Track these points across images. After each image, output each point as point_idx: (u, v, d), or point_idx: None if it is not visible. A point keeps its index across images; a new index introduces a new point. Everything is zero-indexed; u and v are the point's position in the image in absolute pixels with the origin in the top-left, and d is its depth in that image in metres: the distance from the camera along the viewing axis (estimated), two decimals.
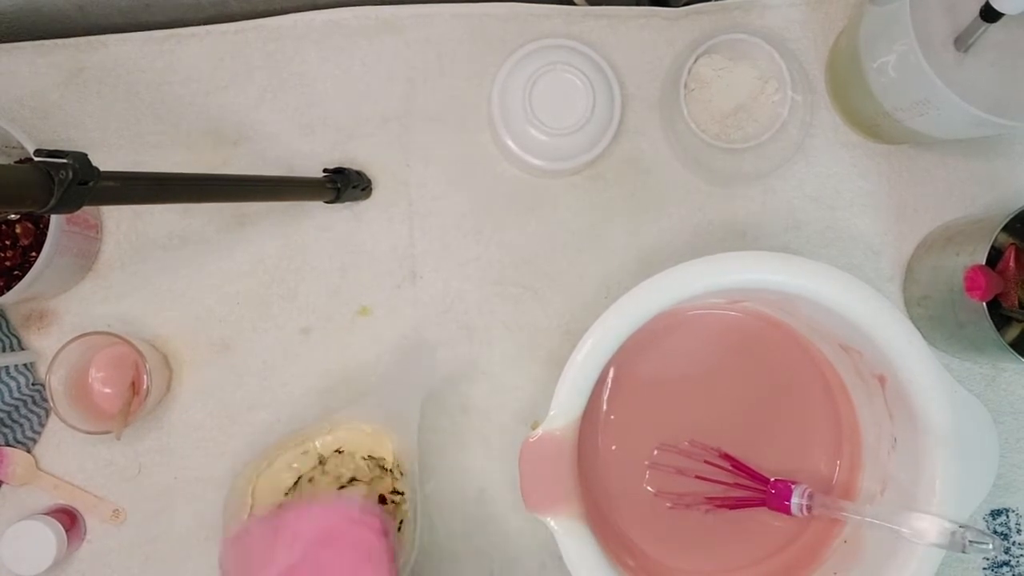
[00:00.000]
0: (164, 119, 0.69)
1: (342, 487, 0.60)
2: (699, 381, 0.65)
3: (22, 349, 0.67)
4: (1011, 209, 0.58)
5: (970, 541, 0.49)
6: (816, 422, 0.64)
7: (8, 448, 0.65)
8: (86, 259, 0.67)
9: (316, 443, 0.62)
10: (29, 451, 0.66)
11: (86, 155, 0.40)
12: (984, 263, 0.58)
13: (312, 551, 0.51)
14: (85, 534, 0.67)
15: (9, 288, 0.59)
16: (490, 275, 0.68)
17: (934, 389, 0.54)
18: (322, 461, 0.62)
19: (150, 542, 0.67)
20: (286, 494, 0.61)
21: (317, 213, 0.68)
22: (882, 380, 0.57)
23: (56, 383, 0.62)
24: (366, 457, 0.61)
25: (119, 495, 0.67)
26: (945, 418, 0.53)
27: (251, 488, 0.61)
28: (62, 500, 0.66)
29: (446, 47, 0.69)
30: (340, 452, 0.61)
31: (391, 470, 0.61)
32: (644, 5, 0.71)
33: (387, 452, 0.61)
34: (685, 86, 0.65)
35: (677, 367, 0.65)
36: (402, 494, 0.61)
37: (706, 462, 0.63)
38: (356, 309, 0.68)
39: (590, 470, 0.63)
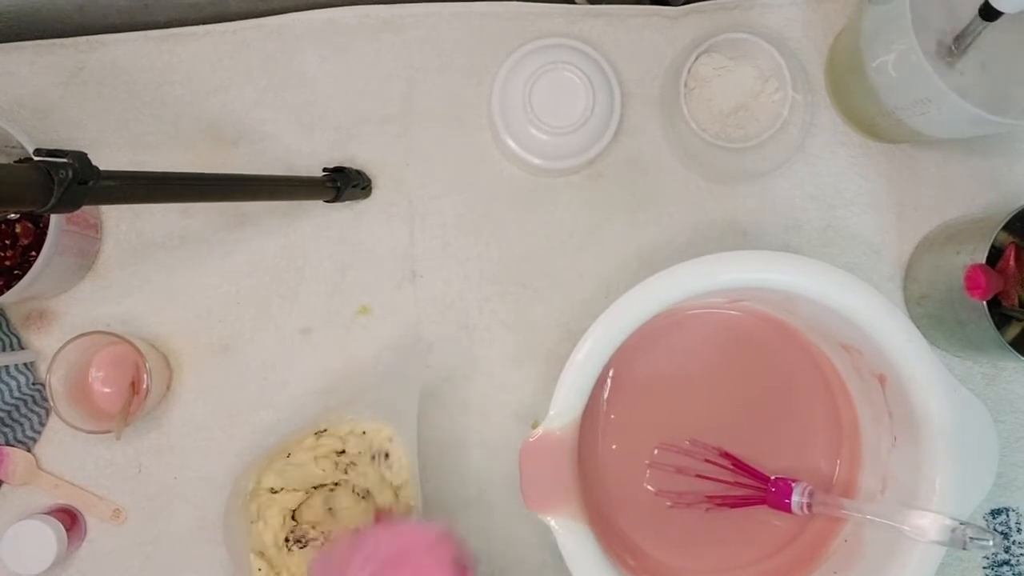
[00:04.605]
0: (164, 119, 0.68)
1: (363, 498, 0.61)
2: (699, 380, 0.65)
3: (22, 348, 0.67)
4: (1011, 208, 0.58)
5: (971, 538, 0.49)
6: (816, 421, 0.64)
7: (8, 447, 0.65)
8: (86, 259, 0.67)
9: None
10: (29, 450, 0.66)
11: (86, 155, 0.40)
12: (984, 262, 0.58)
13: (382, 572, 0.51)
14: (85, 534, 0.67)
15: (9, 288, 0.59)
16: (490, 274, 0.68)
17: (934, 388, 0.54)
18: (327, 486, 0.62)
19: (150, 542, 0.67)
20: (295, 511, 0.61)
21: (317, 212, 0.68)
22: (882, 379, 0.57)
23: (56, 382, 0.62)
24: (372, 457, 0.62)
25: (119, 495, 0.67)
26: (945, 417, 0.53)
27: (253, 488, 0.61)
28: (62, 500, 0.66)
29: (446, 46, 0.69)
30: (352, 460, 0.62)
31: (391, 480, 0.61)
32: (644, 4, 0.71)
33: (389, 446, 0.61)
34: (685, 85, 0.65)
35: (677, 366, 0.65)
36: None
37: (706, 461, 0.63)
38: (356, 308, 0.68)
39: (590, 469, 0.63)
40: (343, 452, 0.61)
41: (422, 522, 0.58)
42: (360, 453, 0.61)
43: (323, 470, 0.61)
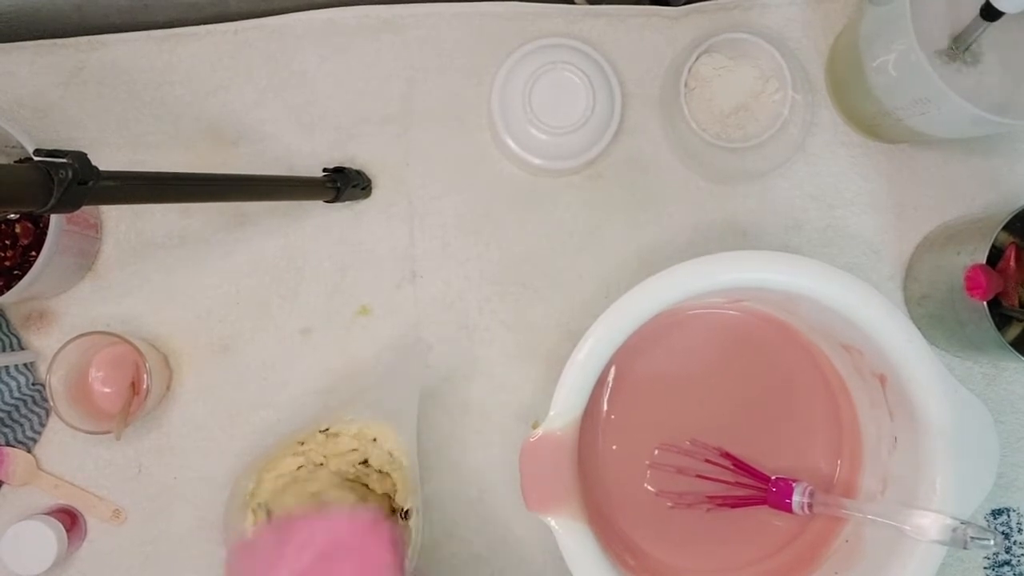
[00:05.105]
0: (164, 119, 0.68)
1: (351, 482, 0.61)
2: (700, 380, 0.65)
3: (22, 349, 0.67)
4: (1011, 208, 0.58)
5: (972, 537, 0.49)
6: (817, 421, 0.64)
7: (8, 448, 0.65)
8: (86, 259, 0.67)
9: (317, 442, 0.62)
10: (29, 451, 0.66)
11: (85, 155, 0.40)
12: (985, 262, 0.58)
13: (320, 561, 0.50)
14: (85, 534, 0.67)
15: (9, 288, 0.59)
16: (490, 274, 0.68)
17: (934, 388, 0.53)
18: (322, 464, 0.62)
19: (150, 542, 0.67)
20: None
21: (317, 213, 0.68)
22: (883, 379, 0.57)
23: (56, 383, 0.62)
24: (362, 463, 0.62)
25: (119, 495, 0.67)
26: (946, 417, 0.53)
27: (252, 489, 0.61)
28: (62, 500, 0.66)
29: (446, 46, 0.69)
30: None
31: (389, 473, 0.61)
32: (644, 4, 0.71)
33: (389, 446, 0.61)
34: (685, 85, 0.65)
35: (677, 366, 0.65)
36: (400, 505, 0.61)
37: (707, 461, 0.63)
38: (356, 308, 0.68)
39: (591, 470, 0.63)
40: (366, 462, 0.62)
41: (353, 508, 0.57)
42: (381, 470, 0.61)
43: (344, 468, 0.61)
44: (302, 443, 0.61)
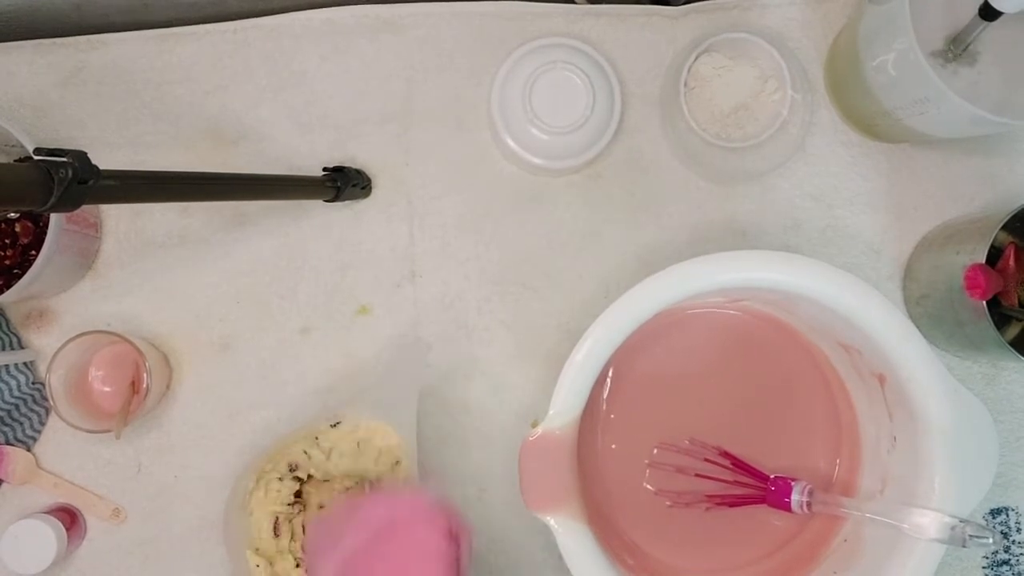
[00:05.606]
0: (163, 118, 0.69)
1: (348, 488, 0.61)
2: (699, 379, 0.65)
3: (22, 348, 0.67)
4: (1011, 208, 0.58)
5: (970, 535, 0.49)
6: (816, 420, 0.64)
7: (8, 447, 0.65)
8: (86, 258, 0.67)
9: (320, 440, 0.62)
10: (29, 450, 0.66)
11: (86, 154, 0.40)
12: (984, 262, 0.58)
13: (376, 539, 0.50)
14: (85, 533, 0.67)
15: (9, 287, 0.59)
16: (489, 274, 0.68)
17: (933, 388, 0.54)
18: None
19: (150, 541, 0.67)
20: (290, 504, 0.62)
21: (317, 212, 0.68)
22: (881, 379, 0.57)
23: (56, 382, 0.62)
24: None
25: (119, 494, 0.67)
26: (944, 417, 0.53)
27: (253, 488, 0.61)
28: (62, 499, 0.66)
29: (446, 46, 0.69)
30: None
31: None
32: (644, 4, 0.71)
33: (390, 446, 0.62)
34: (685, 84, 0.65)
35: (677, 366, 0.65)
36: None
37: (706, 460, 0.63)
38: (355, 308, 0.68)
39: (590, 469, 0.63)
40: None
41: (416, 489, 0.57)
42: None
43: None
44: (317, 438, 0.62)
